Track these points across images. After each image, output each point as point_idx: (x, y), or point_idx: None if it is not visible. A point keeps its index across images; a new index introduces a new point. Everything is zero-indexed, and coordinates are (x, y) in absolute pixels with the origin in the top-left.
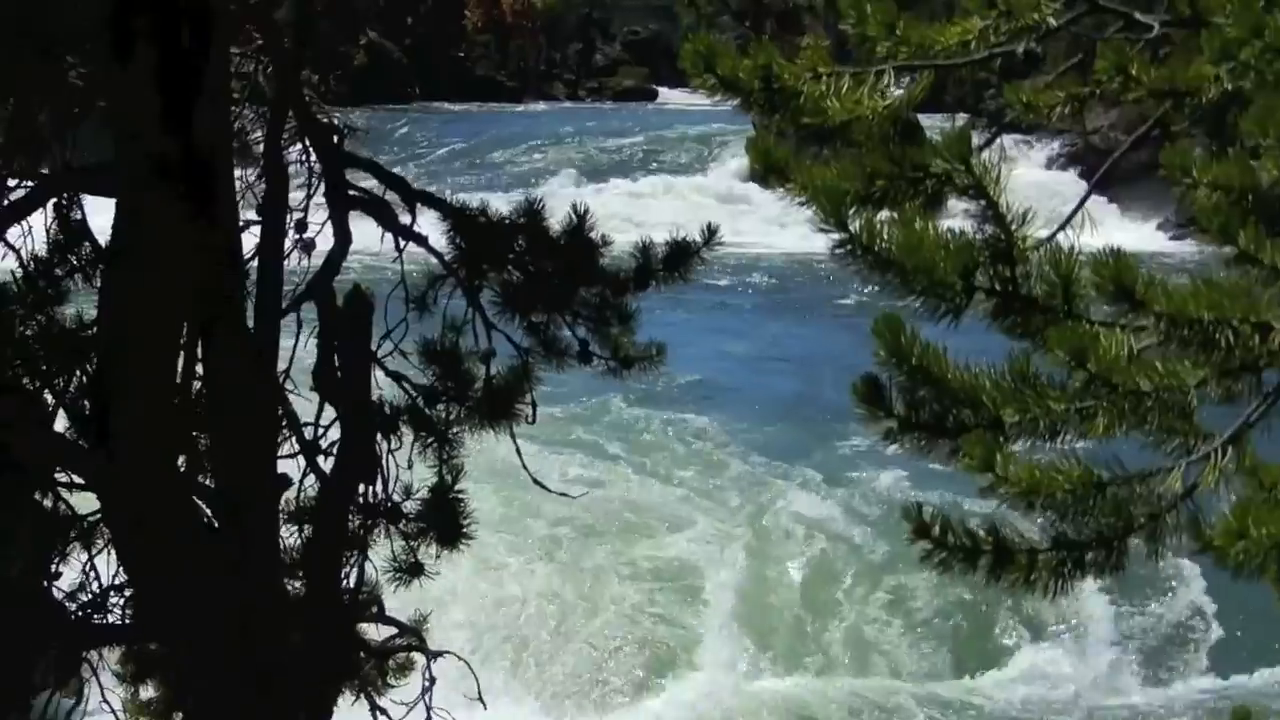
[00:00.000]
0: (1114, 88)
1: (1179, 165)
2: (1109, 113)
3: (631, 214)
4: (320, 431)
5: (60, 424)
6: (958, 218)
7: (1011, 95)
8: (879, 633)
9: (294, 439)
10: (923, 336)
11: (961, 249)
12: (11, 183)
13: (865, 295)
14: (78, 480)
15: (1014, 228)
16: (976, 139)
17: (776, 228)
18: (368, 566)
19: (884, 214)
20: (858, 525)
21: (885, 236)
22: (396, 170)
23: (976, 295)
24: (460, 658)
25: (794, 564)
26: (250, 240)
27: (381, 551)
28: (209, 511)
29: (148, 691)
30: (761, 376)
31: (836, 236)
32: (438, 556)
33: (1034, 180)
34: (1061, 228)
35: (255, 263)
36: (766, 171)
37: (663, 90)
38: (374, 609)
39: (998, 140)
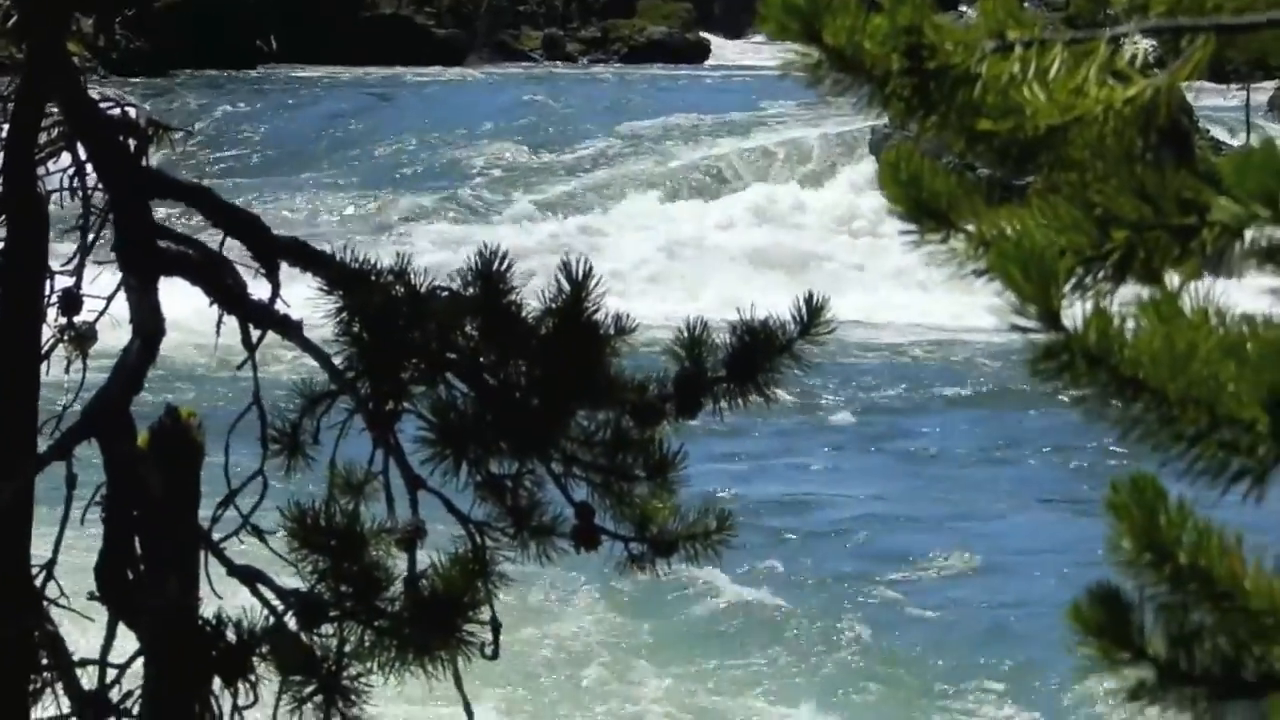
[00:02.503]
0: None
1: None
2: None
3: (666, 275)
4: (112, 677)
5: None
6: (1264, 298)
7: None
8: None
9: (61, 686)
10: (1198, 514)
11: (1268, 357)
12: None
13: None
14: None
15: None
16: None
17: (918, 289)
18: None
19: (1127, 290)
20: None
21: (1130, 338)
22: (233, 196)
23: None
24: None
25: None
26: None
27: None
28: None
29: None
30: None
31: (1042, 338)
32: None
33: None
34: None
35: None
36: (915, 213)
37: (718, 42)
38: None
39: None
